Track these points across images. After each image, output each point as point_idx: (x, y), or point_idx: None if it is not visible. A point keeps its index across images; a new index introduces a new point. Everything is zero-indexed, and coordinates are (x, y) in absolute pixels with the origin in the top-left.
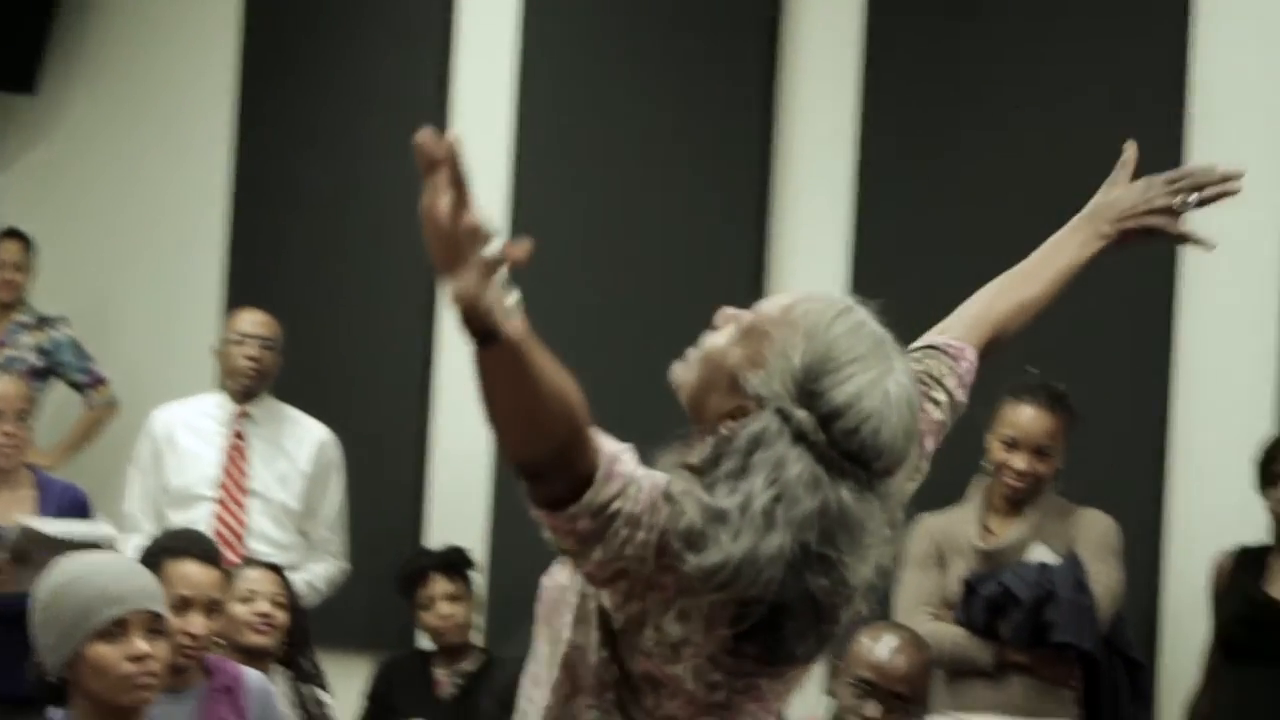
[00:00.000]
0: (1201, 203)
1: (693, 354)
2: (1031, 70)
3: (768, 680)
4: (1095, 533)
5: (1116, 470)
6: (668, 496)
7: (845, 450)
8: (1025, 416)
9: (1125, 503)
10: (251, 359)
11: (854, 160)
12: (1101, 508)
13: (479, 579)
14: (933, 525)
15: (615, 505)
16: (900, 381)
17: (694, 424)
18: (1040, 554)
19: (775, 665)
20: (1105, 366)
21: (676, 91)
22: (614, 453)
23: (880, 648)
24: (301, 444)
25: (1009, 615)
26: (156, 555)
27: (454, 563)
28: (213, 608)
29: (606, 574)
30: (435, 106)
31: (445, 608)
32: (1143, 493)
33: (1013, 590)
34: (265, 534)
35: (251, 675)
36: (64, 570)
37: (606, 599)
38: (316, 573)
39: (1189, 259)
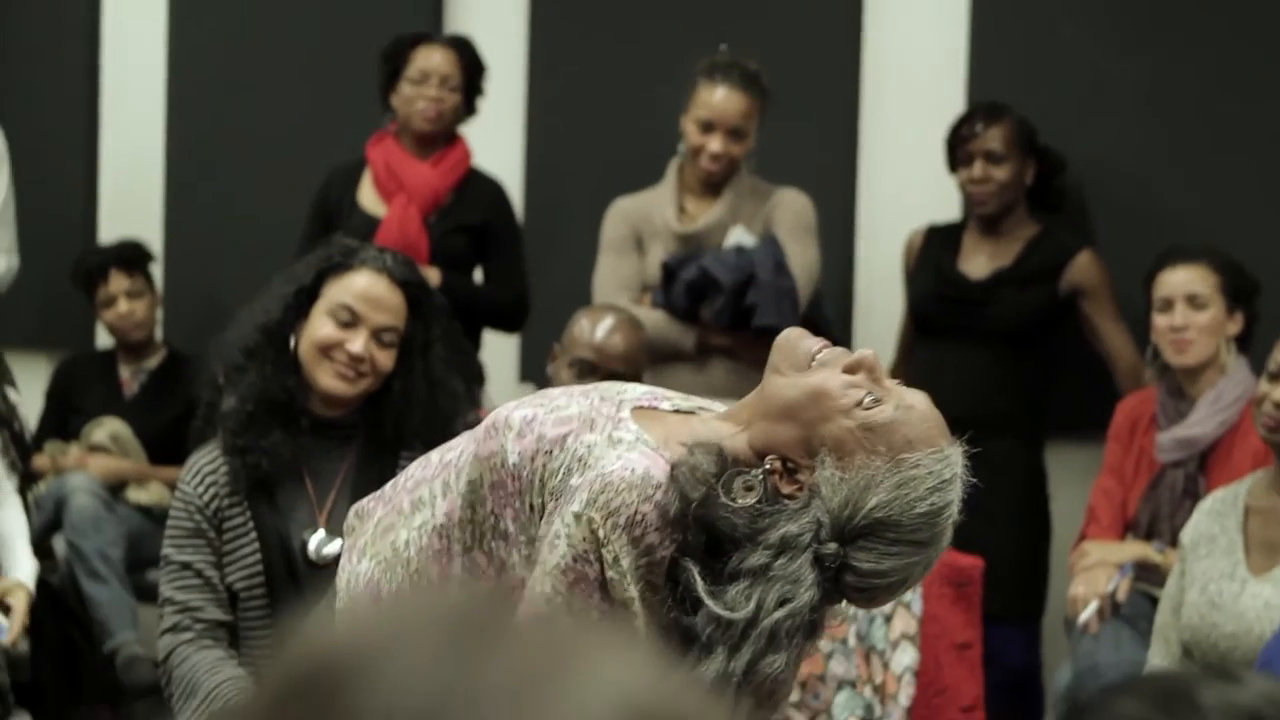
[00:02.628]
0: None
1: (820, 359)
2: None
3: None
4: (792, 213)
5: (809, 149)
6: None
7: (839, 586)
8: (719, 97)
9: (819, 182)
10: None
11: None
12: (795, 187)
13: (157, 273)
14: (628, 208)
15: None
16: (921, 573)
17: (752, 407)
18: (738, 236)
19: None
20: (795, 44)
21: None
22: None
23: (599, 328)
24: None
25: (710, 299)
26: None
27: (131, 258)
28: None
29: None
30: None
31: (125, 304)
32: (835, 171)
33: (713, 274)
34: None
35: None
36: None
37: None
38: None
39: None
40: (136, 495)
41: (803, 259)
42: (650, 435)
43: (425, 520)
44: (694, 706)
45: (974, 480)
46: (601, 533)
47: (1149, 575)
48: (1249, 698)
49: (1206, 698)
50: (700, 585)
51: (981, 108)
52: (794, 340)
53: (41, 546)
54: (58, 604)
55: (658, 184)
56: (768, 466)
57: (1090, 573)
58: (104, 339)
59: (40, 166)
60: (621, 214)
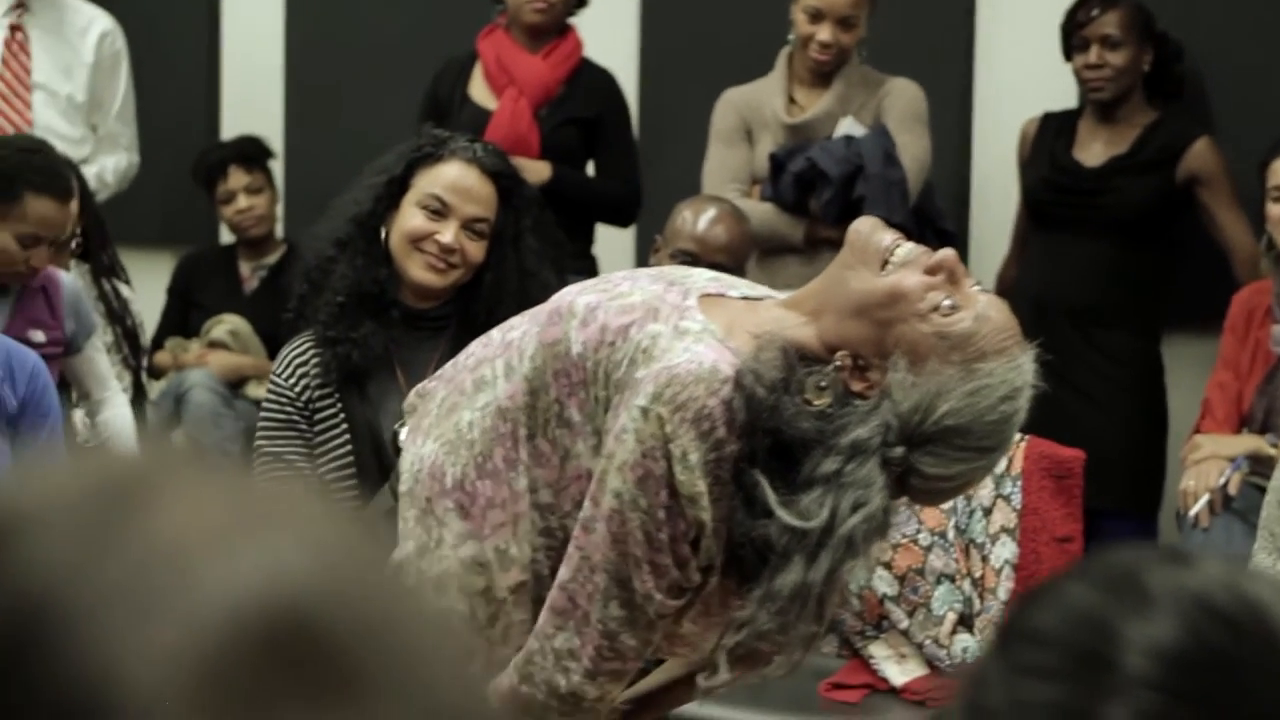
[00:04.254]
0: None
1: (898, 256)
2: None
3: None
4: (902, 102)
5: (925, 38)
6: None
7: (900, 489)
8: None
9: (934, 71)
10: None
11: None
12: (910, 77)
13: (277, 169)
14: (737, 99)
15: None
16: (984, 475)
17: (820, 299)
18: (848, 126)
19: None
20: None
21: None
22: None
23: (701, 220)
24: (84, 34)
25: (819, 191)
26: (14, 183)
27: (251, 154)
28: (55, 240)
29: None
30: None
31: (245, 200)
32: (951, 60)
33: (821, 165)
34: (52, 128)
35: (65, 277)
36: None
37: None
38: (106, 166)
39: None
40: (255, 391)
41: (913, 149)
42: (716, 324)
43: (488, 401)
44: (356, 602)
45: (1089, 371)
46: (669, 427)
47: (1263, 468)
48: (1199, 580)
49: (1154, 581)
50: (772, 497)
51: None
52: (867, 234)
53: None
54: None
55: (768, 74)
56: (838, 363)
57: (1202, 466)
58: (227, 236)
59: (163, 64)
60: (731, 105)
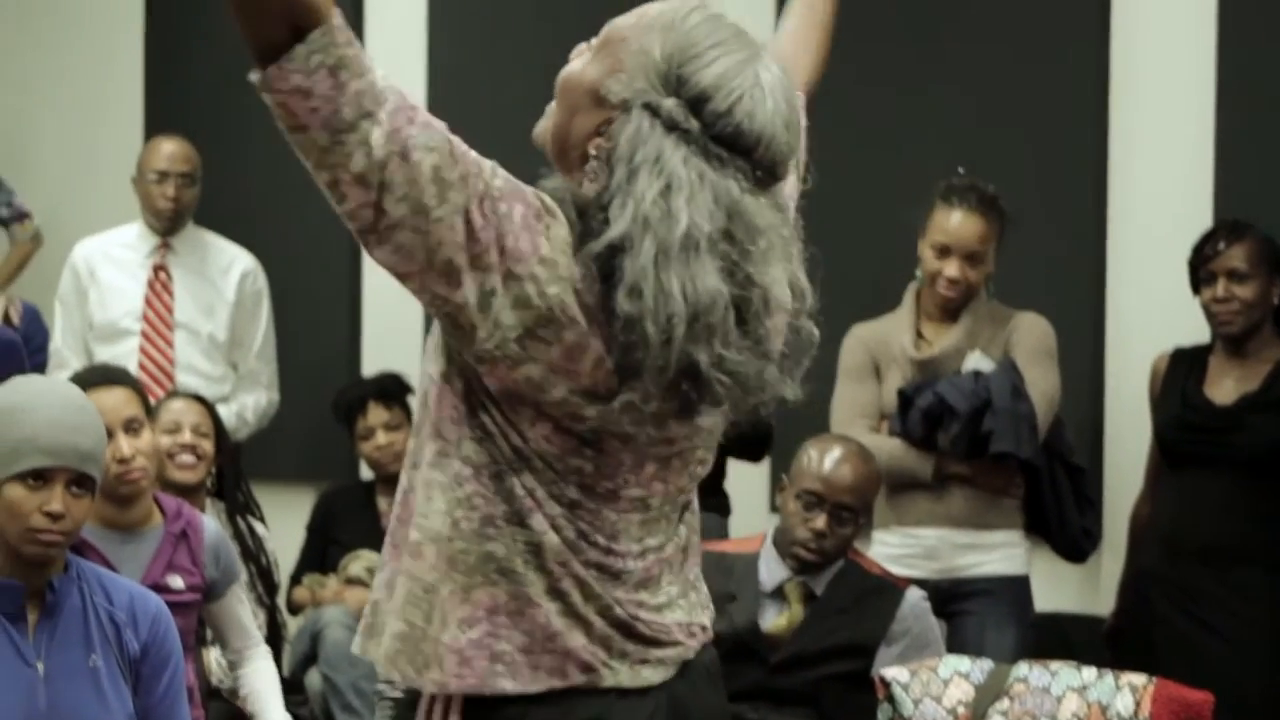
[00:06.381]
0: None
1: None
2: None
3: (648, 431)
4: (1031, 337)
5: (1054, 273)
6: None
7: (720, 136)
8: (955, 221)
9: (1064, 305)
10: (170, 199)
11: None
12: (1040, 311)
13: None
14: (865, 335)
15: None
16: (770, 68)
17: (563, 166)
18: (976, 361)
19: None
20: (1038, 167)
21: None
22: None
23: (827, 460)
24: (226, 273)
25: (946, 426)
26: None
27: (391, 390)
28: (131, 425)
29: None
30: None
31: (384, 436)
32: (1081, 295)
33: (949, 401)
34: (194, 366)
35: (208, 523)
36: (10, 395)
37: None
38: (246, 404)
39: (1120, 56)
40: None
41: (1041, 384)
42: None
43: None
44: None
45: (1223, 610)
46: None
47: None
48: None
49: None
50: (599, 243)
51: (1224, 226)
52: (538, 126)
53: (297, 680)
54: None
55: (896, 310)
56: (593, 151)
57: None
58: (367, 472)
59: (305, 302)
60: (859, 341)
